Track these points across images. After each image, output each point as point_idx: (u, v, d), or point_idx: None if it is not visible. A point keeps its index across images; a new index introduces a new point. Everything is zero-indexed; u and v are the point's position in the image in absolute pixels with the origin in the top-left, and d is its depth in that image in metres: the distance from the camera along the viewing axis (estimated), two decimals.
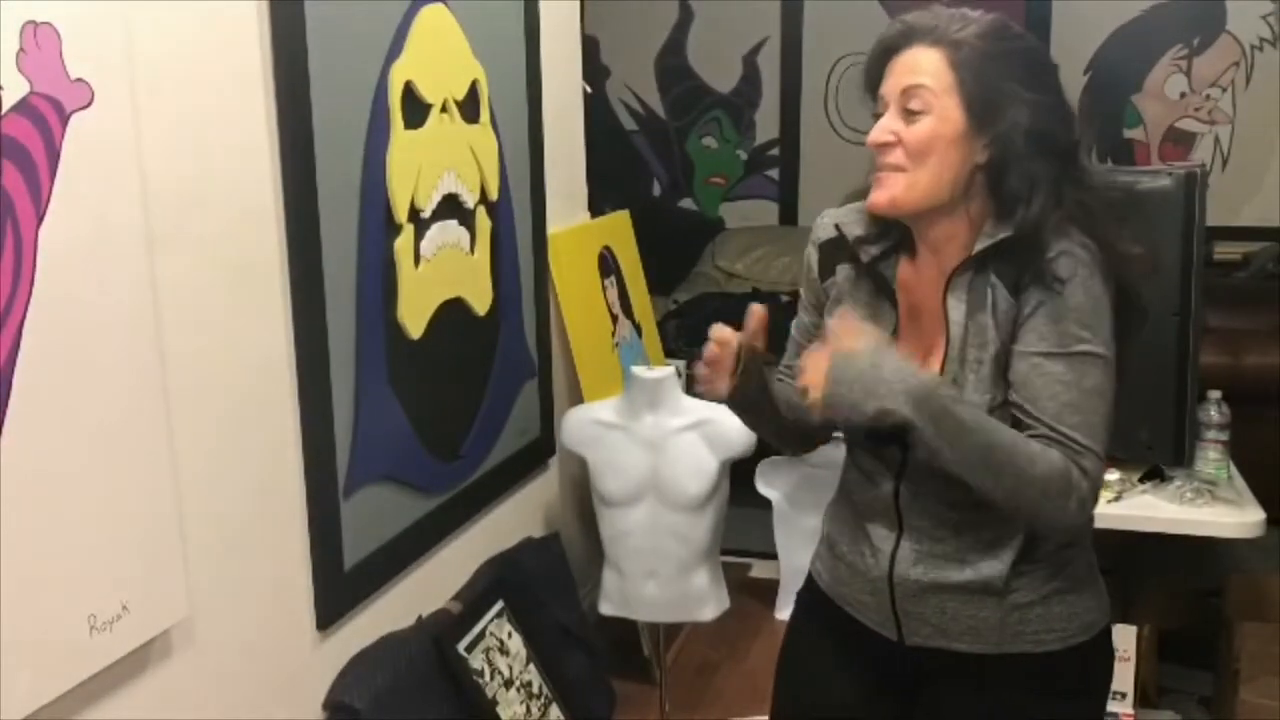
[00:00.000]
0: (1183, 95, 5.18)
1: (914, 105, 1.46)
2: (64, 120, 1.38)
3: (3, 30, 1.29)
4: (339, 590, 2.04)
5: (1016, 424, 1.45)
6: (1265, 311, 3.71)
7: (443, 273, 2.33)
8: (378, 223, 2.11)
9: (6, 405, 1.32)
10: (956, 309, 1.50)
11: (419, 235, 2.24)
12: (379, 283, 2.13)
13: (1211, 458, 2.26)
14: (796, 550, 3.23)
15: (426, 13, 2.24)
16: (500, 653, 2.38)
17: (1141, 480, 2.26)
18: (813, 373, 1.43)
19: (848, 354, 1.41)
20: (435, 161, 2.28)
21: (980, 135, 1.44)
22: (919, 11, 1.50)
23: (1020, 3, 5.25)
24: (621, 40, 5.80)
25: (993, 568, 1.53)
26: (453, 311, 2.39)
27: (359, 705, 2.00)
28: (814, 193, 5.84)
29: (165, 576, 1.58)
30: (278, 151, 1.84)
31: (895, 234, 1.55)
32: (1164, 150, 5.22)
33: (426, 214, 2.26)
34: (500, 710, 2.31)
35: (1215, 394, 2.26)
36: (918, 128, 1.46)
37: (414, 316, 2.24)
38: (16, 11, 1.31)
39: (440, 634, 2.26)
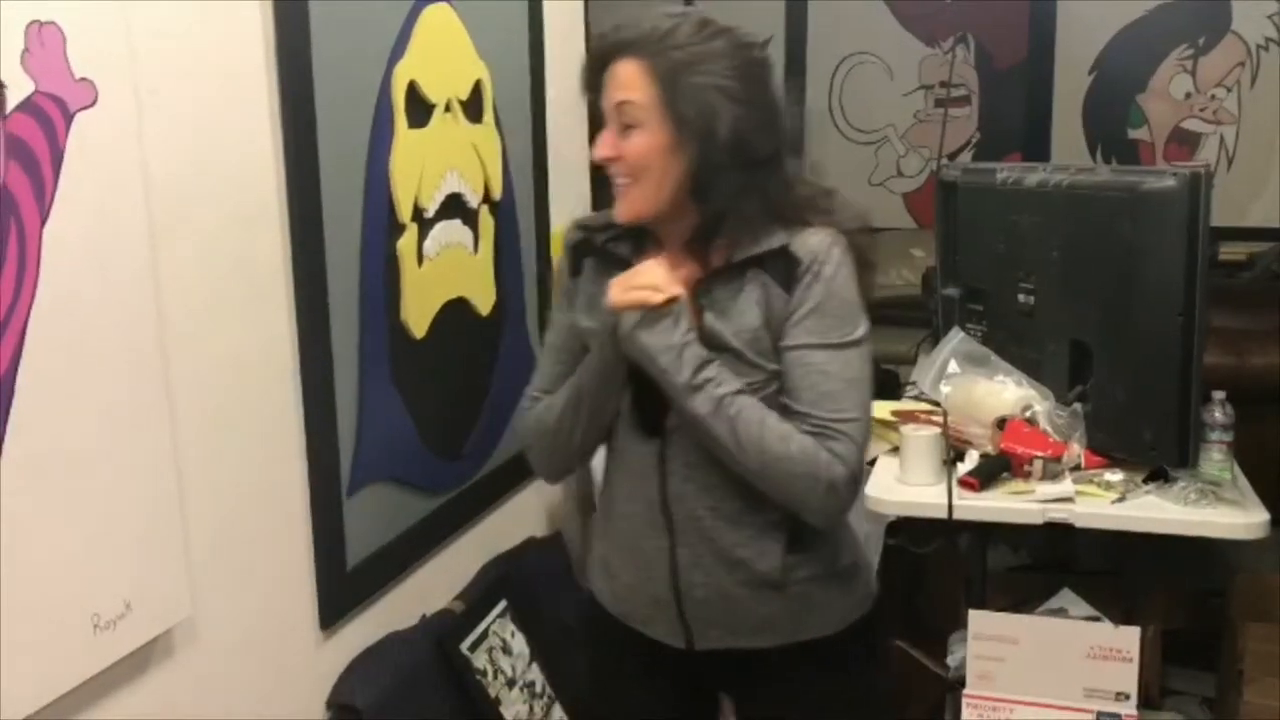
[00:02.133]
0: (1188, 95, 5.16)
1: (626, 120, 1.51)
2: (68, 119, 1.38)
3: (7, 30, 1.30)
4: (342, 590, 2.05)
5: (785, 413, 1.53)
6: (1270, 312, 3.69)
7: (446, 272, 2.33)
8: (381, 222, 2.11)
9: (11, 404, 1.32)
10: (709, 302, 1.56)
11: (422, 235, 2.24)
12: (382, 282, 2.13)
13: (1215, 458, 2.25)
14: None
15: (430, 12, 2.23)
16: (503, 652, 2.38)
17: (1145, 481, 2.25)
18: (649, 279, 1.51)
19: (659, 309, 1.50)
20: (439, 161, 2.28)
21: (688, 145, 1.49)
22: (625, 23, 1.54)
23: (1025, 3, 5.24)
24: None
25: (767, 561, 1.57)
26: (456, 311, 2.39)
27: (362, 705, 2.00)
28: None
29: (168, 575, 1.59)
30: (281, 151, 1.84)
31: (638, 230, 1.62)
32: (1169, 151, 5.21)
33: (430, 213, 2.26)
34: (503, 710, 2.31)
35: (1219, 395, 2.25)
36: (633, 143, 1.51)
37: (417, 316, 2.24)
38: (21, 11, 1.31)
39: (443, 633, 2.26)
